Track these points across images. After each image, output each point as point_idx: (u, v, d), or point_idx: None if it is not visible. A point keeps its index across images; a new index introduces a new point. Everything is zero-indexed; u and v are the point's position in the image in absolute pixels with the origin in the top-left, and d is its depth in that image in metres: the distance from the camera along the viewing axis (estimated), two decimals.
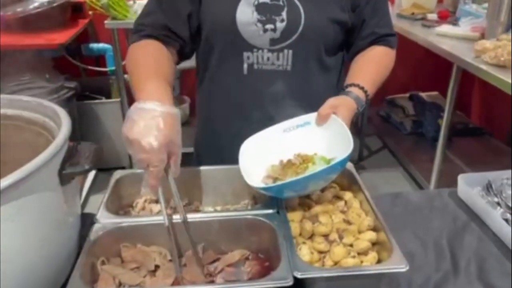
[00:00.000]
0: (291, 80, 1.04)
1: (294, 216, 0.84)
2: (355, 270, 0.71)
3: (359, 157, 2.96)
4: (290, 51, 1.00)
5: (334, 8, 1.00)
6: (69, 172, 0.69)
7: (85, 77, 2.81)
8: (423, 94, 3.18)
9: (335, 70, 1.10)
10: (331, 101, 0.92)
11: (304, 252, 0.74)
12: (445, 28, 2.22)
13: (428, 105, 3.00)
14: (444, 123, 2.21)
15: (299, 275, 0.68)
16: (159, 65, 0.94)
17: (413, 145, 2.91)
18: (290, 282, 0.67)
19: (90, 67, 2.75)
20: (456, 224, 0.96)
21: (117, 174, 0.94)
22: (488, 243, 0.91)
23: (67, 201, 0.71)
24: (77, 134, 2.36)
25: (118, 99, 2.58)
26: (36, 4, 2.26)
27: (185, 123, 2.70)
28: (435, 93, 3.21)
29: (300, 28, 0.98)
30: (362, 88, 0.97)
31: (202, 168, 0.99)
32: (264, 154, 0.91)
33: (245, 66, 1.03)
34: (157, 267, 0.79)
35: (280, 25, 0.98)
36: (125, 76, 2.42)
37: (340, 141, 0.85)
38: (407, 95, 3.20)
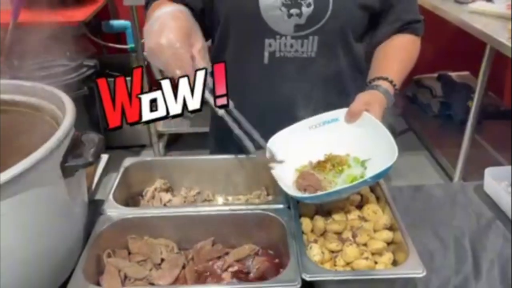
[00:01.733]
0: (315, 67, 0.97)
1: (307, 210, 0.80)
2: (367, 274, 0.67)
3: None
4: (316, 38, 0.94)
5: None
6: (72, 165, 0.66)
7: (106, 55, 2.80)
8: (453, 74, 3.03)
9: (362, 57, 1.03)
10: (364, 97, 0.86)
11: (315, 252, 0.71)
12: (479, 5, 2.10)
13: (457, 86, 2.87)
14: (474, 105, 2.11)
15: (307, 277, 0.65)
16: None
17: (440, 128, 2.80)
18: (298, 285, 0.64)
19: (110, 45, 2.73)
20: (480, 222, 0.91)
21: (127, 161, 0.93)
22: None
23: (70, 192, 0.69)
24: (98, 112, 2.36)
25: None
26: None
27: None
28: (465, 73, 3.06)
29: (328, 14, 0.91)
30: (391, 82, 0.92)
31: (215, 157, 0.96)
32: (290, 154, 0.85)
33: (266, 54, 0.96)
34: (163, 260, 0.77)
35: (306, 10, 0.91)
36: (144, 53, 2.39)
37: (375, 141, 0.80)
38: (435, 75, 3.05)
